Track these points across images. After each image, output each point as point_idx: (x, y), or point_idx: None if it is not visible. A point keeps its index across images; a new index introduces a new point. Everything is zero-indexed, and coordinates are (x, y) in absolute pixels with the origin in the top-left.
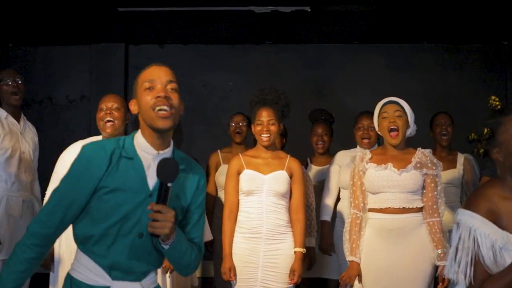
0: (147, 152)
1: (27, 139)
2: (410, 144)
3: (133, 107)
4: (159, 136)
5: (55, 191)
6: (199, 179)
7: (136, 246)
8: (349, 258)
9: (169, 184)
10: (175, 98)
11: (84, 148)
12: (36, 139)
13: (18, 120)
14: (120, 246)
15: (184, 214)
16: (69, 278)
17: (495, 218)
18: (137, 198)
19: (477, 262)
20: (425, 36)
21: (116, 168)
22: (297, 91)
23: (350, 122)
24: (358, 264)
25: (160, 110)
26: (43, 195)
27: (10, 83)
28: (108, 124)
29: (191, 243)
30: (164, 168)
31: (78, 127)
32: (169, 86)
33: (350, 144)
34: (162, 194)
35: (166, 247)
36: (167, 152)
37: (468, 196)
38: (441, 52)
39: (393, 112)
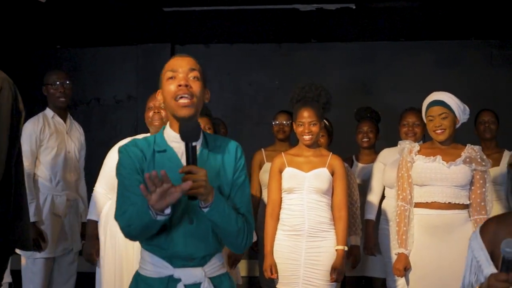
0: (177, 141)
1: (73, 138)
2: (456, 141)
3: (159, 96)
4: None
5: (118, 191)
6: (236, 148)
7: (190, 232)
8: (398, 250)
9: (194, 144)
10: (196, 86)
11: (120, 148)
12: (83, 138)
13: (64, 120)
14: (175, 236)
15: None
16: (136, 275)
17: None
18: None
19: None
20: (473, 32)
21: (153, 163)
22: (343, 89)
23: (397, 120)
24: (407, 256)
25: (181, 98)
26: (89, 194)
27: (57, 86)
28: (156, 117)
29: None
30: (185, 129)
31: (125, 127)
32: (190, 75)
33: (396, 142)
34: (189, 155)
35: (206, 209)
36: None
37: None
38: (489, 48)
39: (438, 115)
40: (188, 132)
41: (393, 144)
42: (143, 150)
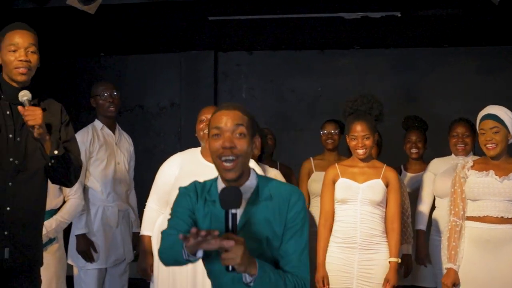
0: None
1: (122, 149)
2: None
3: (207, 145)
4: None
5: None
6: (290, 197)
7: (239, 280)
8: (447, 265)
9: (233, 211)
10: (242, 144)
11: (180, 188)
12: (132, 149)
13: (113, 131)
14: (227, 280)
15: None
16: None
17: None
18: None
19: None
20: None
21: (203, 208)
22: (386, 96)
23: (441, 126)
24: (456, 272)
25: (225, 160)
26: (139, 203)
27: (106, 97)
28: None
29: (283, 271)
30: (225, 196)
31: (168, 134)
32: (237, 131)
33: (441, 149)
34: (228, 222)
35: (251, 284)
36: (244, 187)
37: None
38: None
39: (489, 129)
40: (227, 201)
41: (438, 151)
42: (198, 196)
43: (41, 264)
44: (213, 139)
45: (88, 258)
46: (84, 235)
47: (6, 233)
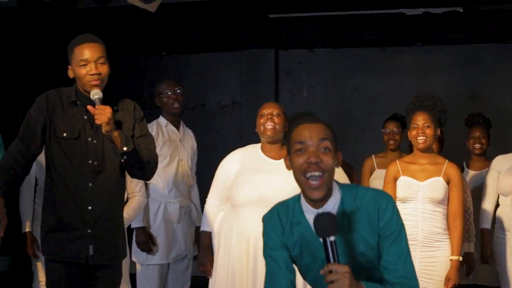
0: (309, 212)
1: (185, 146)
2: None
3: (287, 162)
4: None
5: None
6: (378, 204)
7: None
8: None
9: (331, 238)
10: (328, 159)
11: (264, 217)
12: (195, 145)
13: (177, 127)
14: None
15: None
16: None
17: None
18: (320, 261)
19: None
20: None
21: (291, 235)
22: (449, 93)
23: (504, 123)
24: None
25: (311, 177)
26: (201, 201)
27: (169, 94)
28: (269, 127)
29: (390, 285)
30: (319, 224)
31: (230, 133)
32: (321, 146)
33: (505, 146)
34: (328, 251)
35: None
36: (328, 205)
37: None
38: None
39: None
40: (323, 228)
41: (502, 148)
42: (282, 221)
43: (125, 255)
44: (296, 154)
45: (146, 249)
46: (143, 228)
47: (89, 231)
